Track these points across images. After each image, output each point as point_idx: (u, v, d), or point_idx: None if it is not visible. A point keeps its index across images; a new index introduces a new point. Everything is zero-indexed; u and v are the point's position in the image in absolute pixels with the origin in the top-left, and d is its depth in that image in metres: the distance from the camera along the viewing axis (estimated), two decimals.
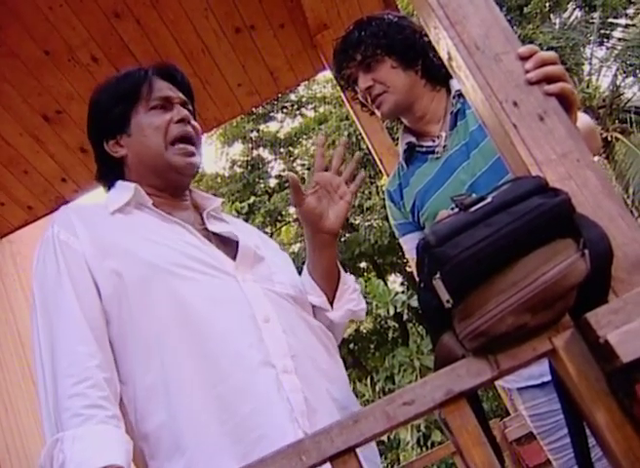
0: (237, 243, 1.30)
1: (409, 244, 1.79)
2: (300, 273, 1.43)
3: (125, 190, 1.32)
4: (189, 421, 1.10)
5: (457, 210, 0.76)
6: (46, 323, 1.16)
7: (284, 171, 15.03)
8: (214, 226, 1.35)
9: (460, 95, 1.64)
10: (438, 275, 0.72)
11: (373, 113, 1.79)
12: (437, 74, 1.70)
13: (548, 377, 0.81)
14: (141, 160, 1.36)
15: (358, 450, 0.75)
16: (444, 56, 0.96)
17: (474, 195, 0.78)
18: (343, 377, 1.32)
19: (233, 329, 1.17)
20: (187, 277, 1.19)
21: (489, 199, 0.74)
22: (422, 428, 9.50)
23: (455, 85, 1.68)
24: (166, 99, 1.37)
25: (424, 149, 1.72)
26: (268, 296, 1.23)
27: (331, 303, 1.38)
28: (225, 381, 1.12)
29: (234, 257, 1.28)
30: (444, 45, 0.93)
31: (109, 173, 1.41)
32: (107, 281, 1.18)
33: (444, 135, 1.68)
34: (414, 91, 1.70)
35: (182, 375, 1.13)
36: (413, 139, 1.74)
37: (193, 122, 1.39)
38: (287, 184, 13.66)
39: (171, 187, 1.37)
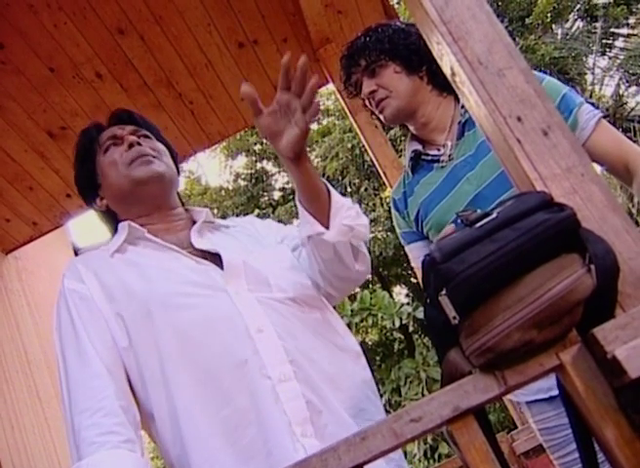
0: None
1: (414, 252, 1.79)
2: None
3: (122, 230, 1.40)
4: (199, 450, 1.13)
5: (461, 225, 0.76)
6: (64, 366, 1.24)
7: (288, 183, 15.04)
8: (200, 243, 1.37)
9: None
10: (444, 291, 0.72)
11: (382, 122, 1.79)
12: (443, 80, 1.69)
13: (557, 391, 0.81)
14: (115, 198, 1.44)
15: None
16: (447, 71, 0.96)
17: (479, 210, 0.78)
18: (352, 377, 1.29)
19: (228, 347, 1.19)
20: (182, 305, 1.23)
21: (494, 214, 0.74)
22: (429, 440, 9.45)
23: None
24: (114, 137, 1.45)
25: (430, 158, 1.71)
26: (264, 304, 1.25)
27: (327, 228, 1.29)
28: (229, 404, 1.15)
29: None
30: (447, 60, 0.93)
31: (111, 225, 1.49)
32: (115, 325, 1.24)
33: (449, 144, 1.67)
34: (417, 96, 1.69)
35: (187, 406, 1.16)
36: (419, 147, 1.74)
37: (147, 141, 1.46)
38: (291, 197, 13.68)
39: (149, 204, 1.41)
